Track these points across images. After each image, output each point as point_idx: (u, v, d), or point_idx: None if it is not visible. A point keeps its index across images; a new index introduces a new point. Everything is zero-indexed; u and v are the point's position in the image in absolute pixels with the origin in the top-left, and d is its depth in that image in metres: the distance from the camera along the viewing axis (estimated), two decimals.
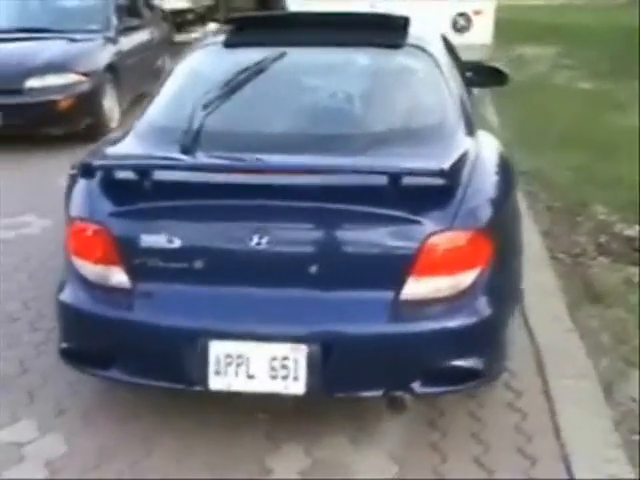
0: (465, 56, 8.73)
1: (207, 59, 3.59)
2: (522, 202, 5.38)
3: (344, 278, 2.62)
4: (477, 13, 8.99)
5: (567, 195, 5.64)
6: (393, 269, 2.59)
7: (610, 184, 5.78)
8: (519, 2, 19.49)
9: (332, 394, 2.71)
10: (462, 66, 4.39)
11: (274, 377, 2.60)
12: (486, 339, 2.71)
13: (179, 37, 11.43)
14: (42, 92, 6.85)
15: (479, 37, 8.97)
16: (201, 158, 2.80)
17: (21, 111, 6.76)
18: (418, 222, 2.58)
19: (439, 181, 2.51)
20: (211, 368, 2.62)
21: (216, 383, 2.63)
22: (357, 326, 2.59)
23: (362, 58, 3.52)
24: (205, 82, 3.27)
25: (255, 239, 2.59)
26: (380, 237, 2.61)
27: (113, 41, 8.02)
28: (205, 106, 3.03)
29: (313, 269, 2.60)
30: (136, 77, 8.26)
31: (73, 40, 7.59)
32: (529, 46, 13.64)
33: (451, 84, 3.28)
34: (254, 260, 2.63)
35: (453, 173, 2.55)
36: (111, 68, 7.71)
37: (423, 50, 3.42)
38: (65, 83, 7.06)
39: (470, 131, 3.10)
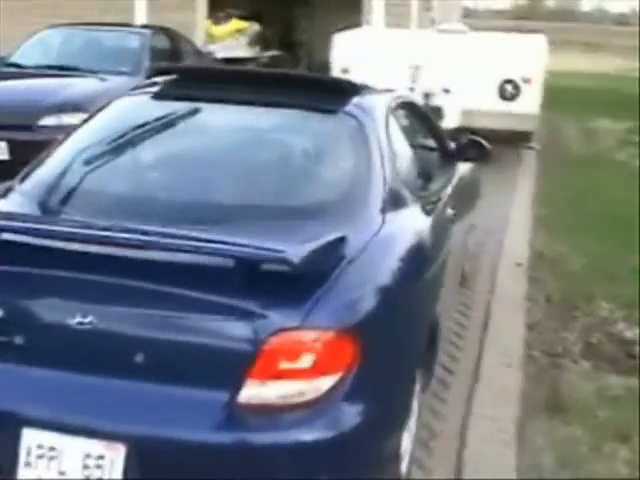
0: (511, 126, 8.43)
1: (121, 110, 3.34)
2: (520, 291, 4.97)
3: (174, 372, 2.25)
4: (526, 81, 8.52)
5: (574, 285, 5.13)
6: (230, 367, 2.20)
7: (624, 277, 5.25)
8: (562, 68, 18.61)
9: None
10: (437, 136, 4.09)
11: (87, 478, 2.25)
12: (342, 459, 2.27)
13: None
14: (53, 130, 6.71)
15: (527, 106, 8.49)
16: (48, 221, 2.57)
17: (29, 147, 6.70)
18: (261, 316, 2.20)
19: (285, 269, 2.14)
20: (21, 458, 2.27)
21: (25, 475, 2.28)
22: (182, 429, 2.20)
23: (285, 121, 3.22)
24: (107, 135, 3.06)
25: (78, 317, 2.26)
26: (217, 329, 2.24)
27: None
28: (90, 162, 2.82)
29: (139, 358, 2.25)
30: None
31: (102, 80, 7.54)
32: (602, 118, 13.06)
33: (375, 157, 2.91)
34: (76, 342, 2.29)
35: (308, 261, 2.17)
36: None
37: (356, 118, 3.06)
38: (78, 123, 6.94)
39: (387, 209, 2.76)
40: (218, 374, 2.21)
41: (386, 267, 2.54)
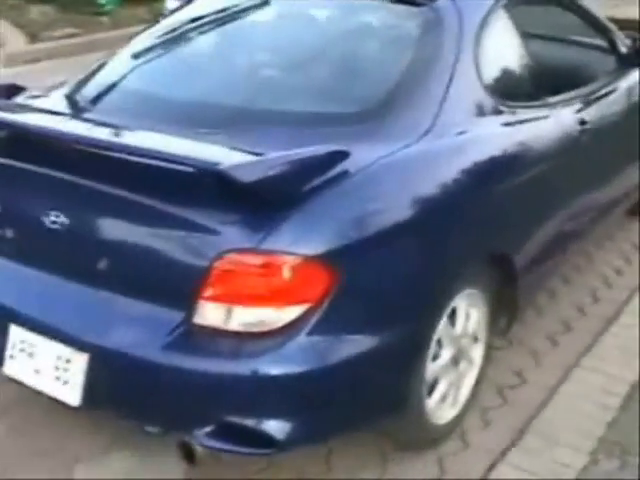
0: None
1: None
2: None
3: (135, 285, 2.15)
4: None
5: None
6: (184, 285, 2.06)
7: None
8: None
9: (110, 417, 2.34)
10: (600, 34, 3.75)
11: (57, 379, 2.23)
12: (302, 400, 2.12)
13: None
14: None
15: None
16: (64, 118, 2.52)
17: None
18: (214, 233, 2.04)
19: (240, 184, 1.94)
20: (8, 350, 2.33)
21: (9, 368, 2.35)
22: (137, 345, 2.11)
23: (356, 13, 2.98)
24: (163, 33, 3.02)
25: (52, 216, 2.21)
26: (174, 243, 2.11)
27: None
28: (136, 61, 2.84)
29: (103, 265, 2.17)
30: None
31: None
32: None
33: (444, 57, 2.61)
34: (51, 241, 2.26)
35: (255, 176, 1.95)
36: None
37: (436, 12, 2.74)
38: None
39: (443, 118, 2.47)
40: (175, 291, 2.09)
41: (393, 190, 2.25)
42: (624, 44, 3.84)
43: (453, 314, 2.57)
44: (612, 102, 3.56)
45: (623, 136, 3.65)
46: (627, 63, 3.79)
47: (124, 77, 2.81)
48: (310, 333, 2.06)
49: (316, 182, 2.09)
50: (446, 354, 2.57)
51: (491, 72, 2.79)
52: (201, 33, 2.99)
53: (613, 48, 3.78)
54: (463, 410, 2.76)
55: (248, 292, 2.04)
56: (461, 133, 2.53)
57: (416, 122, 2.45)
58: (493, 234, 2.66)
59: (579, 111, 3.22)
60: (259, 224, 2.03)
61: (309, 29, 3.02)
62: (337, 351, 2.12)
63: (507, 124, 2.75)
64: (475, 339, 2.77)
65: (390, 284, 2.22)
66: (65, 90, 2.87)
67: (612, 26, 3.85)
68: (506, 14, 2.99)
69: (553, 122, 3.02)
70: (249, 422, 2.09)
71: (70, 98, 2.78)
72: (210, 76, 2.81)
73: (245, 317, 2.05)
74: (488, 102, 2.71)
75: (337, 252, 2.06)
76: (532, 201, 2.84)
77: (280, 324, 2.05)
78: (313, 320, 2.06)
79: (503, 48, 2.95)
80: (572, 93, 3.31)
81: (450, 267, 2.43)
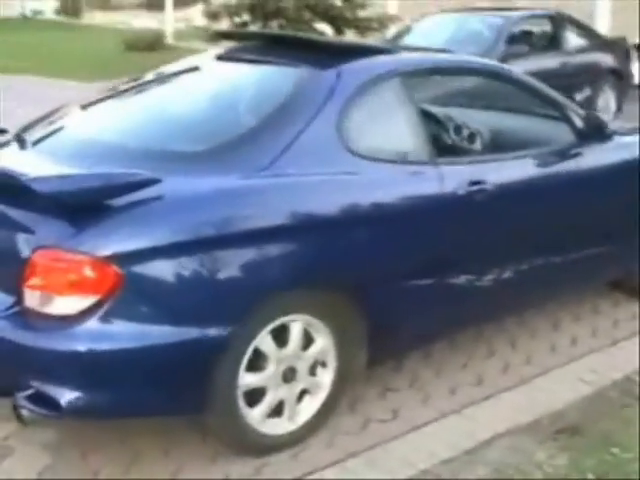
0: None
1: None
2: None
3: None
4: None
5: None
6: (15, 274, 2.57)
7: None
8: None
9: None
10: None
11: None
12: (89, 375, 2.54)
13: None
14: None
15: None
16: None
17: None
18: (32, 232, 2.59)
19: (37, 193, 2.45)
20: None
21: None
22: None
23: (264, 77, 3.49)
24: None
25: None
26: (12, 240, 2.63)
27: None
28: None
29: None
30: None
31: None
32: None
33: (303, 115, 3.01)
34: None
35: (70, 189, 2.47)
36: None
37: (321, 78, 3.21)
38: None
39: (287, 162, 2.86)
40: (10, 279, 2.59)
41: (197, 214, 2.64)
42: (579, 116, 3.97)
43: (282, 334, 2.88)
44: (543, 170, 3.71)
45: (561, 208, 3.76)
46: (582, 136, 3.92)
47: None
48: (101, 320, 2.50)
49: (122, 199, 2.56)
50: (272, 369, 2.86)
51: (357, 131, 3.11)
52: (136, 91, 3.62)
53: (567, 121, 3.93)
54: (306, 428, 3.02)
55: (54, 282, 2.53)
56: (295, 175, 2.89)
57: (253, 161, 2.86)
58: (325, 268, 2.94)
59: (477, 172, 3.41)
60: (65, 227, 2.54)
61: (210, 87, 3.56)
62: (124, 338, 2.54)
63: (351, 174, 3.02)
64: (323, 364, 3.03)
65: (182, 290, 2.62)
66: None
67: (564, 100, 4.02)
68: (401, 83, 3.32)
69: (422, 179, 3.24)
70: (45, 388, 2.53)
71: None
72: (117, 122, 3.38)
73: (52, 303, 2.54)
74: (342, 155, 3.03)
75: (126, 256, 2.51)
76: (378, 246, 3.06)
77: (76, 310, 2.51)
78: (103, 309, 2.50)
79: (383, 112, 3.27)
80: (478, 157, 3.61)
81: (255, 289, 2.74)
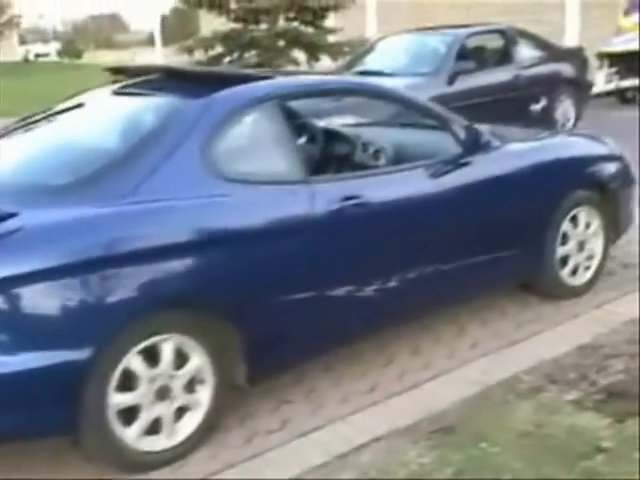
0: None
1: None
2: None
3: None
4: None
5: None
6: None
7: None
8: None
9: None
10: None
11: None
12: None
13: None
14: None
15: None
16: None
17: None
18: None
19: None
20: None
21: None
22: None
23: (144, 109, 3.70)
24: None
25: None
26: None
27: None
28: None
29: None
30: None
31: None
32: None
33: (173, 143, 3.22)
34: None
35: None
36: None
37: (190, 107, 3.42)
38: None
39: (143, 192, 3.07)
40: None
41: (52, 244, 2.84)
42: (463, 128, 4.10)
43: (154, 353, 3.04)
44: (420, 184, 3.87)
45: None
46: (466, 148, 4.06)
47: None
48: None
49: None
50: (144, 388, 3.03)
51: (226, 155, 3.30)
52: (22, 129, 3.88)
53: (451, 133, 4.07)
54: (187, 444, 3.18)
55: None
56: (158, 200, 3.07)
57: (115, 189, 3.06)
58: (194, 289, 3.11)
59: (353, 187, 3.59)
60: None
61: (91, 121, 3.82)
62: None
63: (219, 196, 3.21)
64: (201, 381, 3.19)
65: (44, 316, 2.83)
66: None
67: (447, 113, 4.18)
68: (274, 106, 3.50)
69: (294, 198, 3.41)
70: None
71: None
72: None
73: None
74: (210, 179, 3.21)
75: None
76: (250, 265, 3.24)
77: None
78: None
79: (254, 135, 3.48)
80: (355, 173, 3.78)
81: (118, 313, 2.93)
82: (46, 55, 45.79)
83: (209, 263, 3.14)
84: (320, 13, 14.27)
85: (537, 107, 9.61)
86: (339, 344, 3.79)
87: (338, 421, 3.40)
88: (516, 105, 9.33)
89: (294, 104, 3.74)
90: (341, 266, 3.54)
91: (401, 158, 4.00)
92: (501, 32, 9.89)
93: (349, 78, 4.43)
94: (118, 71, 4.15)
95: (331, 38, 14.40)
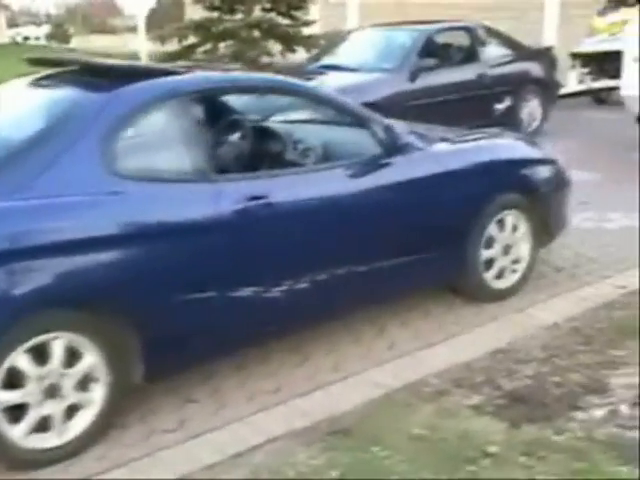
0: None
1: None
2: None
3: None
4: None
5: None
6: None
7: None
8: None
9: None
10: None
11: None
12: None
13: None
14: None
15: None
16: None
17: None
18: None
19: None
20: None
21: None
22: None
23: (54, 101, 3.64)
24: None
25: None
26: None
27: None
28: None
29: None
30: None
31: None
32: None
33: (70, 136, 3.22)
34: None
35: None
36: None
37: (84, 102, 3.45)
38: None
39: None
40: None
41: None
42: (383, 129, 4.04)
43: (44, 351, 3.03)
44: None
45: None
46: (386, 149, 4.02)
47: None
48: None
49: None
50: (31, 387, 3.03)
51: (126, 152, 3.27)
52: None
53: (371, 133, 4.02)
54: (79, 441, 3.18)
55: None
56: (52, 196, 3.06)
57: (11, 182, 3.05)
58: (84, 287, 3.09)
59: (261, 187, 3.58)
60: None
61: (2, 113, 3.76)
62: None
63: (115, 194, 3.18)
64: (95, 380, 3.18)
65: None
66: None
67: (368, 113, 4.11)
68: (180, 103, 3.50)
69: (196, 196, 3.41)
70: None
71: None
72: None
73: None
74: (107, 176, 3.19)
75: None
76: (147, 264, 3.23)
77: None
78: None
79: (156, 133, 3.46)
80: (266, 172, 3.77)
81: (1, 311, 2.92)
82: (37, 39, 45.49)
83: (103, 262, 3.13)
84: (295, 4, 14.22)
85: (501, 106, 9.60)
86: (248, 344, 3.79)
87: (237, 421, 3.40)
88: (480, 104, 9.33)
89: (212, 101, 3.71)
90: (247, 266, 3.53)
91: (322, 158, 3.99)
92: (468, 29, 9.84)
93: (271, 76, 4.35)
94: (38, 62, 4.10)
95: (307, 30, 14.33)
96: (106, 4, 76.56)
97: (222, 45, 14.32)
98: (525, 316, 4.40)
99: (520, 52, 10.27)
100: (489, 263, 4.52)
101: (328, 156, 4.00)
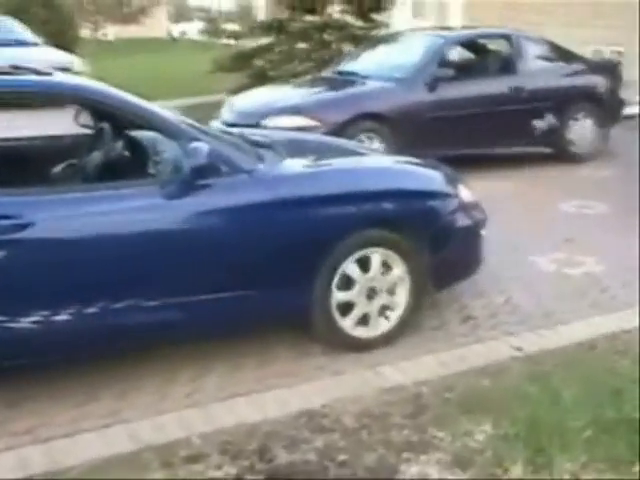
0: None
1: None
2: None
3: None
4: None
5: None
6: None
7: None
8: None
9: None
10: None
11: None
12: None
13: None
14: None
15: None
16: None
17: None
18: None
19: None
20: None
21: None
22: None
23: None
24: None
25: None
26: None
27: None
28: None
29: None
30: None
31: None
32: None
33: None
34: None
35: None
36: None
37: None
38: (292, 125, 7.32)
39: None
40: None
41: None
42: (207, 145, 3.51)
43: None
44: None
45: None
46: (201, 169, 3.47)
47: None
48: None
49: None
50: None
51: None
52: None
53: (183, 150, 3.49)
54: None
55: None
56: None
57: None
58: None
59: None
60: None
61: None
62: None
63: None
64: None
65: None
66: None
67: (190, 126, 3.65)
68: None
69: None
70: None
71: None
72: None
73: None
74: None
75: None
76: None
77: None
78: None
79: None
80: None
81: None
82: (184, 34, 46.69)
83: None
84: (373, 6, 13.67)
85: (541, 124, 8.68)
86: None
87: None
88: (513, 120, 8.49)
89: None
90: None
91: (105, 175, 3.56)
92: (507, 37, 8.93)
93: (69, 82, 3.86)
94: None
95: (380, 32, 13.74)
96: None
97: (299, 46, 13.98)
98: (372, 374, 3.75)
99: (573, 65, 9.26)
100: (347, 307, 3.94)
101: (115, 173, 3.55)
